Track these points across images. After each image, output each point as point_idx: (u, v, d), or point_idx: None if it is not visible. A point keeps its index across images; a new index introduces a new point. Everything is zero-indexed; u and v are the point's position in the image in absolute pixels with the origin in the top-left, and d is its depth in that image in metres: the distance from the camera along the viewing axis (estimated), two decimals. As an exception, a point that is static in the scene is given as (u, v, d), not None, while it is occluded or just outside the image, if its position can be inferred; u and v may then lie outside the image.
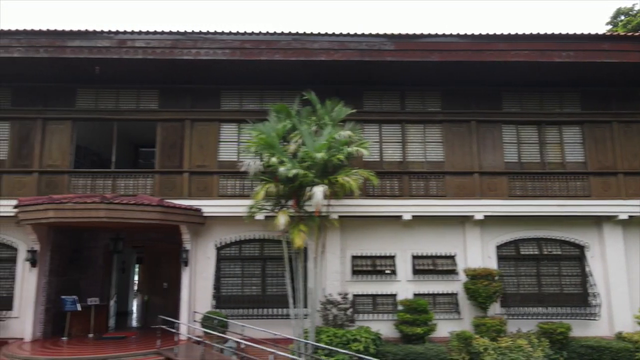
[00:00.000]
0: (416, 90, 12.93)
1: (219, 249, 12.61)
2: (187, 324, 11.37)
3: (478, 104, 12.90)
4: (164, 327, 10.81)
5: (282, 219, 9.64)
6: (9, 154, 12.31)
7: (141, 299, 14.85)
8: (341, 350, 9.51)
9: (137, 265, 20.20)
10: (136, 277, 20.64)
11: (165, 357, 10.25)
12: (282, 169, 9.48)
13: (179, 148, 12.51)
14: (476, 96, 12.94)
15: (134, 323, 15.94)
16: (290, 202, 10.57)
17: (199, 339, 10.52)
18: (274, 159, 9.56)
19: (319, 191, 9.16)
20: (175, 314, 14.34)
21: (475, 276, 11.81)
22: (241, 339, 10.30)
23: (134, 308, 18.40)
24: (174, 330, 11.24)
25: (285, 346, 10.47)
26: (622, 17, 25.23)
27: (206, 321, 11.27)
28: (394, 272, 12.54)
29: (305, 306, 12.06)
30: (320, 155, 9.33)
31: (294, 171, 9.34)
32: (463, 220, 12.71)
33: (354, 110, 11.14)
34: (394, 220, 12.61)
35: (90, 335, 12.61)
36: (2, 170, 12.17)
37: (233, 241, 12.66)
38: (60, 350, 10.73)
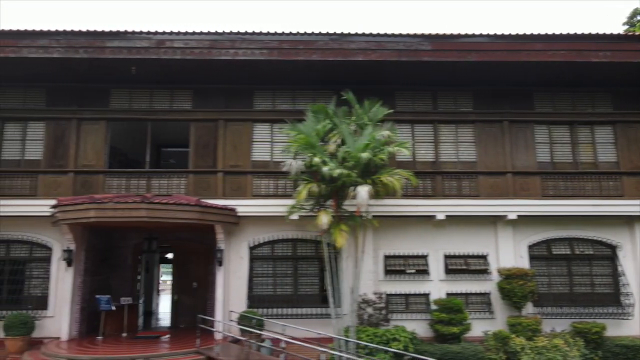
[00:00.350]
0: (448, 90, 12.97)
1: (251, 249, 12.65)
2: (225, 323, 11.39)
3: (510, 104, 12.93)
4: (202, 326, 10.89)
5: (324, 219, 9.68)
6: (44, 154, 12.37)
7: (170, 298, 14.88)
8: (386, 348, 9.56)
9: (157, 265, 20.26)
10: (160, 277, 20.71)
11: (206, 357, 10.27)
12: (325, 169, 9.51)
13: (212, 148, 12.55)
14: (508, 96, 12.97)
15: (160, 323, 15.98)
16: (329, 202, 10.60)
17: (240, 337, 10.59)
18: (316, 159, 9.59)
19: (364, 191, 9.20)
20: (205, 313, 14.38)
21: (510, 276, 11.84)
22: (282, 338, 10.30)
23: (158, 308, 18.46)
24: (212, 329, 11.33)
25: (324, 345, 10.50)
26: (639, 17, 25.17)
27: (243, 320, 11.31)
28: (426, 272, 12.58)
29: (338, 305, 12.20)
30: (365, 155, 9.37)
31: (338, 171, 9.38)
32: (495, 220, 12.74)
33: (391, 110, 11.17)
34: (426, 219, 12.65)
35: (124, 334, 12.65)
36: (38, 170, 12.22)
37: (265, 241, 12.70)
38: (101, 349, 10.76)
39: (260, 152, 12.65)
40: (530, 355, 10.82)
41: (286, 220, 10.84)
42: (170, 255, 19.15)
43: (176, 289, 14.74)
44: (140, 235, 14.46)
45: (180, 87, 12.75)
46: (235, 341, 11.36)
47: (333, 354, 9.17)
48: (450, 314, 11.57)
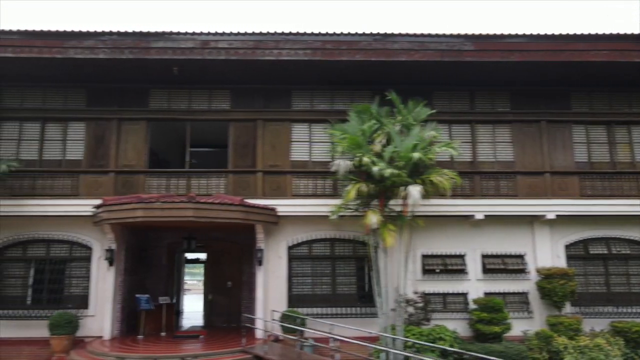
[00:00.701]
0: (485, 90, 13.01)
1: (289, 248, 12.70)
2: (269, 322, 11.42)
3: (547, 104, 12.97)
4: (248, 325, 10.96)
5: (373, 218, 9.74)
6: (85, 154, 12.43)
7: (204, 298, 14.97)
8: (435, 345, 9.62)
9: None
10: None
11: (253, 355, 10.33)
12: (375, 169, 9.57)
13: (251, 148, 12.61)
14: (545, 96, 13.01)
15: (190, 322, 16.02)
16: (375, 202, 10.65)
17: (285, 336, 10.65)
18: (366, 159, 9.64)
19: (416, 191, 9.26)
20: (239, 313, 14.50)
21: (550, 275, 11.88)
22: (334, 336, 10.29)
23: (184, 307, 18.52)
24: (255, 327, 11.40)
25: (370, 344, 10.56)
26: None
27: (285, 319, 11.36)
28: (463, 271, 12.62)
29: (380, 305, 12.25)
30: (417, 155, 9.42)
31: (389, 171, 9.43)
32: (531, 220, 12.77)
33: (434, 111, 11.21)
34: (463, 219, 12.70)
35: (163, 333, 12.75)
36: (79, 170, 12.29)
37: (304, 240, 12.75)
38: (148, 348, 10.84)
39: (299, 152, 12.71)
40: (573, 355, 10.84)
41: (335, 219, 10.85)
42: (192, 256, 19.30)
43: (209, 289, 14.82)
44: (174, 235, 14.51)
45: (218, 87, 12.81)
46: (277, 340, 11.44)
47: (389, 351, 9.23)
48: (492, 313, 11.60)
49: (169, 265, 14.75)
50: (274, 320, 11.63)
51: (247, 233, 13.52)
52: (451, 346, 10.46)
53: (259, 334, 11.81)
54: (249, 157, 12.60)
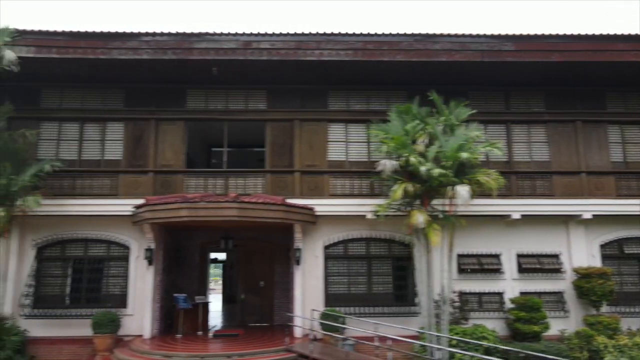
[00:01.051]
0: (520, 90, 13.05)
1: (325, 248, 12.76)
2: (310, 321, 11.49)
3: (582, 104, 13.02)
4: (290, 324, 11.03)
5: (420, 218, 9.80)
6: (124, 154, 12.50)
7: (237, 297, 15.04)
8: (480, 343, 9.69)
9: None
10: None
11: (298, 354, 10.38)
12: (423, 169, 9.62)
13: (288, 147, 12.67)
14: (580, 96, 13.05)
15: (217, 322, 16.09)
16: (417, 202, 10.70)
17: (330, 333, 10.72)
18: (413, 159, 9.69)
19: (464, 191, 9.32)
20: (272, 313, 14.59)
21: (588, 275, 11.92)
22: (370, 334, 10.38)
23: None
24: (297, 325, 11.49)
25: (410, 342, 10.64)
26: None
27: (325, 319, 11.42)
28: (499, 271, 12.67)
29: (413, 304, 12.34)
30: (465, 155, 9.48)
31: (437, 171, 9.48)
32: (566, 220, 12.81)
33: (474, 111, 11.25)
34: (497, 219, 12.74)
35: (199, 332, 12.80)
36: (118, 170, 12.36)
37: (339, 240, 12.81)
38: (191, 347, 10.90)
39: (336, 152, 12.77)
40: (614, 354, 10.87)
41: (373, 218, 10.91)
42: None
43: (242, 288, 14.88)
44: (205, 235, 14.61)
45: (255, 88, 12.87)
46: (315, 339, 11.49)
47: (443, 349, 9.31)
48: (530, 312, 11.66)
49: (200, 265, 14.82)
50: (314, 319, 11.70)
51: (279, 232, 13.64)
52: (495, 345, 10.49)
53: (297, 332, 11.89)
54: (286, 156, 12.66)
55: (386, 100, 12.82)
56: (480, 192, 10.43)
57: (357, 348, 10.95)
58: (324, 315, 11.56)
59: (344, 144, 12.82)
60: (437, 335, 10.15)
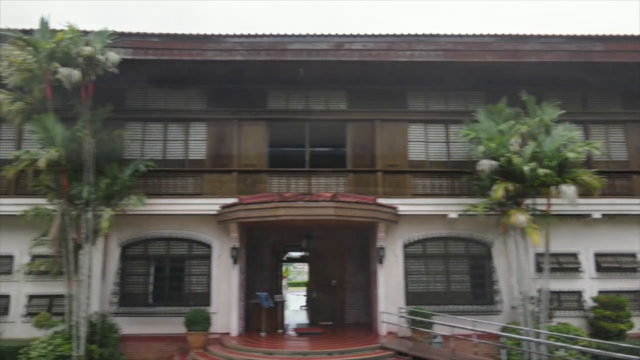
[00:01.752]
0: (596, 91, 13.13)
1: (405, 247, 12.87)
2: (397, 318, 11.62)
3: (659, 105, 13.08)
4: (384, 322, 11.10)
5: (521, 217, 9.89)
6: (207, 154, 12.63)
7: (310, 296, 15.17)
8: (578, 337, 9.82)
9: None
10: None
11: (395, 351, 10.51)
12: (526, 168, 9.71)
13: (369, 148, 12.78)
14: (657, 97, 13.11)
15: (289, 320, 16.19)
16: (509, 202, 10.81)
17: (419, 329, 10.86)
18: (516, 159, 9.78)
19: (571, 190, 9.41)
20: (343, 312, 14.72)
21: (672, 274, 12.01)
22: (454, 333, 10.40)
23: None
24: (386, 322, 11.65)
25: (496, 341, 10.80)
26: None
27: (412, 316, 11.53)
28: (577, 270, 12.77)
29: (492, 302, 12.46)
30: (572, 154, 9.57)
31: (542, 170, 9.57)
32: (641, 219, 12.89)
33: (563, 112, 11.32)
34: (575, 218, 12.81)
35: (280, 330, 12.95)
36: (203, 169, 12.48)
37: (418, 239, 12.92)
38: (282, 344, 11.09)
39: (416, 152, 12.88)
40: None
41: (479, 218, 10.97)
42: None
43: (313, 287, 15.01)
44: (277, 234, 14.74)
45: (334, 88, 12.98)
46: (404, 337, 11.62)
47: (543, 342, 9.46)
48: (615, 311, 11.76)
49: (273, 264, 14.96)
50: (401, 316, 11.82)
51: (350, 232, 13.74)
52: (588, 344, 10.60)
53: (382, 330, 12.02)
54: (367, 156, 12.77)
55: (465, 101, 12.91)
56: (585, 192, 10.50)
57: (445, 345, 11.08)
58: (412, 313, 11.68)
59: (424, 143, 12.93)
60: (536, 332, 10.25)
